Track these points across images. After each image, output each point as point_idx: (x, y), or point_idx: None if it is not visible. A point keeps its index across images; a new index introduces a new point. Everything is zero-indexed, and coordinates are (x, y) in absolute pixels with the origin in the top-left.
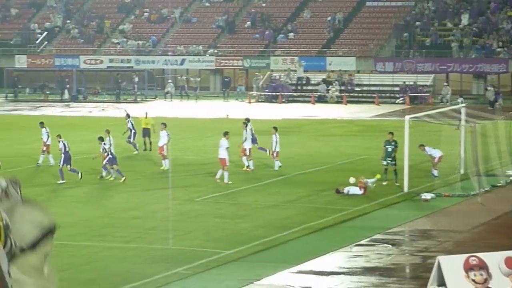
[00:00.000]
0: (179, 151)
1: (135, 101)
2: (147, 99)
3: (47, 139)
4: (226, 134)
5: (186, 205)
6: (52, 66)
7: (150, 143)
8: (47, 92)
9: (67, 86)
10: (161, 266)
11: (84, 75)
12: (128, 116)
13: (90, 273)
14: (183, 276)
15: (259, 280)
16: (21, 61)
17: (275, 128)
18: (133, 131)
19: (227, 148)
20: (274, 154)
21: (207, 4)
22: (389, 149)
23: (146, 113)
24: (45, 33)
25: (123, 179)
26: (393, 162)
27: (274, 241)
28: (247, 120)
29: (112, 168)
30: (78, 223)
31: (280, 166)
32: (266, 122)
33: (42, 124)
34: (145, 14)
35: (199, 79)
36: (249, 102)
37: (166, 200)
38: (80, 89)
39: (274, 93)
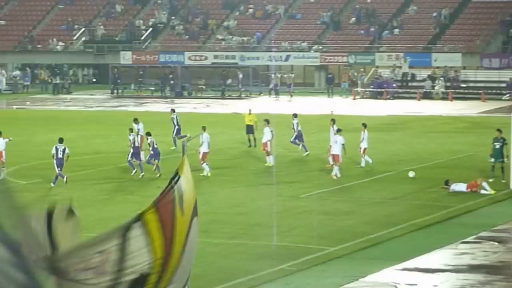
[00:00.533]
0: (283, 147)
1: (240, 98)
2: (251, 96)
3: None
4: (339, 130)
5: (291, 201)
6: (157, 63)
7: (254, 139)
8: (152, 89)
9: (172, 82)
10: (265, 262)
11: (188, 71)
12: (173, 111)
13: (195, 268)
14: (287, 273)
15: (363, 277)
16: (126, 58)
17: (364, 125)
18: (176, 126)
19: (342, 144)
20: (362, 151)
21: (312, 1)
22: (497, 146)
23: (250, 110)
24: (150, 29)
25: (142, 174)
26: (501, 160)
27: (379, 238)
28: (295, 115)
29: (151, 163)
30: None
31: (370, 163)
32: (371, 119)
33: (136, 121)
34: (250, 10)
35: (293, 75)
36: (354, 99)
37: (271, 197)
38: (184, 85)
39: (379, 90)
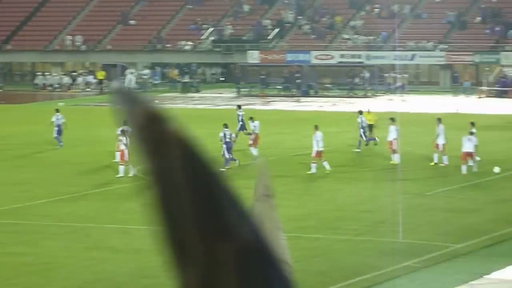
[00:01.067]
0: (409, 145)
1: (365, 96)
2: (377, 94)
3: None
4: (472, 133)
5: (416, 199)
6: (283, 62)
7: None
8: (278, 87)
9: (298, 81)
10: (390, 259)
11: (315, 70)
12: (239, 107)
13: (321, 265)
14: (412, 269)
15: (488, 274)
16: (253, 57)
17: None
18: (240, 123)
19: (475, 145)
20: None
21: (437, 0)
22: None
23: (369, 109)
24: (277, 29)
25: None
26: None
27: (504, 236)
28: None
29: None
30: (310, 215)
31: (479, 161)
32: (496, 117)
33: (252, 119)
34: (376, 10)
35: (407, 75)
36: (479, 98)
37: (396, 194)
38: (311, 84)
39: (504, 88)
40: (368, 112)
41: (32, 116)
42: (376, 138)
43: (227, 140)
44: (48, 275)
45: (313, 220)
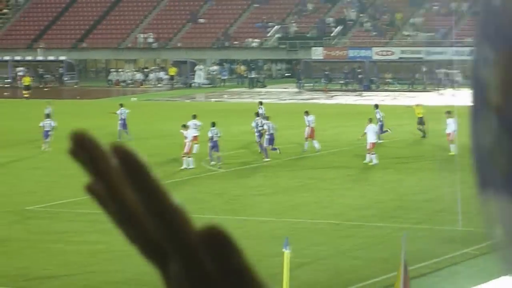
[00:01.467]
0: (467, 137)
1: (425, 91)
2: (437, 89)
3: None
4: None
5: (475, 188)
6: (346, 58)
7: (423, 131)
8: (341, 82)
9: (360, 76)
10: (450, 246)
11: (376, 66)
12: (260, 103)
13: (383, 252)
14: (471, 256)
15: None
16: (317, 53)
17: (449, 112)
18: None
19: None
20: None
21: None
22: None
23: (418, 103)
24: (340, 26)
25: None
26: None
27: None
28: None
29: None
30: (372, 205)
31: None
32: None
33: (307, 113)
34: (435, 7)
35: (457, 71)
36: None
37: (455, 184)
38: (372, 79)
39: None
40: (417, 105)
41: (106, 110)
42: (389, 130)
43: (271, 132)
44: (121, 262)
45: (374, 209)
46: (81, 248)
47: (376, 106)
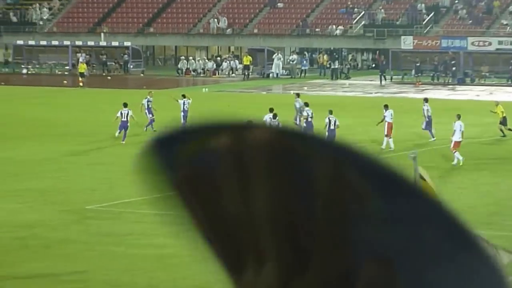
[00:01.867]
0: None
1: None
2: None
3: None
4: None
5: None
6: (438, 48)
7: (502, 130)
8: (431, 75)
9: (453, 68)
10: None
11: (471, 57)
12: (297, 95)
13: None
14: None
15: None
16: (407, 42)
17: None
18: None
19: None
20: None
21: None
22: None
23: (497, 102)
24: (432, 13)
25: None
26: None
27: None
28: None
29: None
30: (465, 209)
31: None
32: None
33: (386, 107)
34: None
35: None
36: None
37: None
38: (467, 71)
39: None
40: (497, 104)
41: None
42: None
43: (331, 127)
44: (190, 269)
45: (468, 214)
46: (146, 252)
47: (426, 99)
